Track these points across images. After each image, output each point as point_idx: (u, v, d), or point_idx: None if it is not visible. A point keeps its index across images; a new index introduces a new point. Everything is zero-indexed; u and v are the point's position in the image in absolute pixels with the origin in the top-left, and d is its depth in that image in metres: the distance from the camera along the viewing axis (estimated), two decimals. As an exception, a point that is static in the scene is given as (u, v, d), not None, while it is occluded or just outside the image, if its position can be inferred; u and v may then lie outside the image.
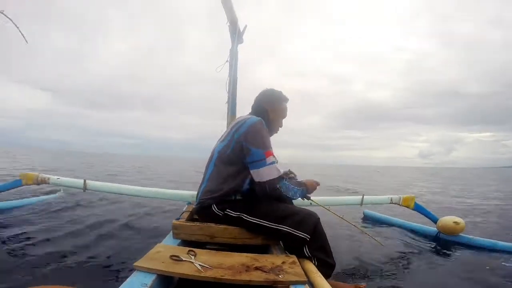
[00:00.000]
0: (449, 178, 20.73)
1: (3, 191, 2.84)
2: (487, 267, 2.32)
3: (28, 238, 2.41)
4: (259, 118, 1.61)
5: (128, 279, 1.01)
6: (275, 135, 1.83)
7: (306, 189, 1.70)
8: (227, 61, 2.99)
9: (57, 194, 4.34)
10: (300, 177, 1.87)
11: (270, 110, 1.75)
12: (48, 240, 2.42)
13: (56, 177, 2.80)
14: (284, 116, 1.82)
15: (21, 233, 2.51)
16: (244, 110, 1.80)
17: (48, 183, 2.77)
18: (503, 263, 2.39)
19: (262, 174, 1.50)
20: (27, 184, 2.76)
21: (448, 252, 2.74)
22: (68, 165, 14.42)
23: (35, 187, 3.12)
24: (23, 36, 2.52)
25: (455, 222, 2.90)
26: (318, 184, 1.76)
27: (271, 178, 1.50)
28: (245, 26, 3.04)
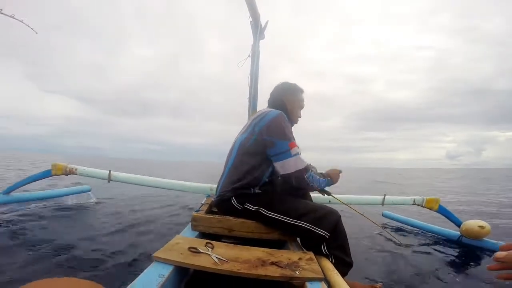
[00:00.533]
0: (478, 179, 19.67)
1: (35, 181, 3.01)
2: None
3: (50, 230, 2.56)
4: (280, 111, 1.60)
5: (146, 270, 1.04)
6: (297, 134, 1.85)
7: (331, 179, 1.71)
8: (249, 55, 3.03)
9: (89, 188, 4.39)
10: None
11: (287, 101, 1.76)
12: (69, 232, 2.55)
13: (83, 167, 2.93)
14: (301, 106, 1.82)
15: (44, 225, 2.67)
16: (264, 107, 1.83)
17: (76, 174, 2.91)
18: None
19: (288, 166, 1.50)
20: (56, 174, 2.92)
21: (471, 257, 2.62)
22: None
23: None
24: (31, 28, 2.67)
25: (480, 226, 2.76)
26: (340, 171, 1.78)
27: (298, 169, 1.50)
28: (267, 22, 3.05)
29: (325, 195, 1.86)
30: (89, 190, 4.30)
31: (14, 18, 2.48)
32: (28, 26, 2.73)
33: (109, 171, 2.82)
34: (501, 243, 2.74)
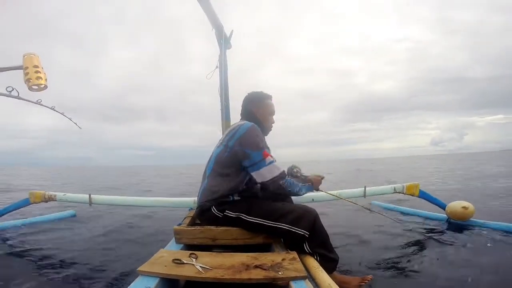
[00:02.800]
0: (460, 163, 20.32)
1: (13, 211, 2.91)
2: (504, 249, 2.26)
3: (37, 249, 2.49)
4: (252, 123, 1.67)
5: (132, 284, 1.05)
6: (280, 135, 1.89)
7: (312, 184, 1.78)
8: (217, 67, 2.98)
9: (74, 213, 4.14)
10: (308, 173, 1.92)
11: (255, 111, 1.81)
12: (54, 250, 2.48)
13: (62, 193, 2.86)
14: (271, 112, 1.87)
15: (31, 247, 2.59)
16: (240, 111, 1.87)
17: (55, 200, 2.84)
18: None
19: (263, 174, 1.56)
20: (35, 202, 2.83)
21: (462, 237, 2.64)
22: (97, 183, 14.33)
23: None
24: (75, 123, 2.70)
25: (464, 207, 2.82)
26: (322, 177, 1.84)
27: (274, 176, 1.55)
28: (232, 31, 3.04)
29: (314, 190, 1.91)
30: (74, 215, 4.13)
31: (54, 110, 2.42)
32: (71, 120, 2.77)
33: (89, 195, 2.77)
34: (489, 222, 2.79)
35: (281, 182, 1.57)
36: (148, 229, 3.56)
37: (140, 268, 1.13)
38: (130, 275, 1.90)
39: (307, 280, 1.11)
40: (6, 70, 1.95)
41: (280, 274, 1.11)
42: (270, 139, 1.82)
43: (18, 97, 1.81)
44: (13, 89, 1.79)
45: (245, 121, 1.72)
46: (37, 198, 2.82)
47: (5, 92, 1.82)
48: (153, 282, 1.05)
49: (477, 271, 1.90)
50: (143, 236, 3.14)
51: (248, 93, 1.88)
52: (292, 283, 1.08)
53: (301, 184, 1.71)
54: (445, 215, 3.06)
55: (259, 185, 1.71)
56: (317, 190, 1.89)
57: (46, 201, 2.87)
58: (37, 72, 1.01)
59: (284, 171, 1.63)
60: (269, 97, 1.87)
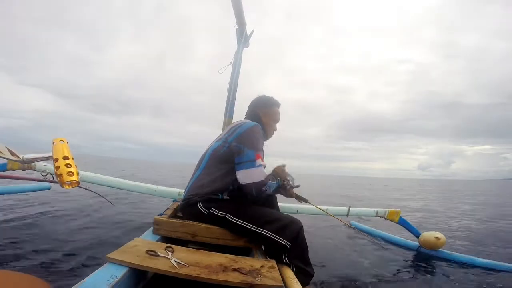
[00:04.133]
0: (446, 191, 20.80)
1: None
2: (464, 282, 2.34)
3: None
4: (256, 123, 1.64)
5: (98, 270, 0.98)
6: (274, 144, 1.87)
7: (279, 177, 1.69)
8: (230, 63, 3.01)
9: (50, 186, 4.12)
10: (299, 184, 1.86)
11: (262, 114, 1.79)
12: (21, 229, 2.37)
13: (43, 163, 2.74)
14: (276, 120, 1.85)
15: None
16: (242, 117, 1.86)
17: (34, 170, 2.71)
18: (480, 279, 2.41)
19: (250, 175, 1.51)
20: (12, 169, 2.70)
21: (429, 266, 2.77)
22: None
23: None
24: (110, 202, 2.74)
25: (436, 238, 2.92)
26: (284, 165, 1.76)
27: (259, 180, 1.51)
28: (252, 31, 3.08)
29: (302, 202, 1.88)
30: (49, 188, 4.02)
31: (89, 190, 2.39)
32: (106, 200, 2.68)
33: None
34: (455, 254, 2.90)
35: (264, 188, 1.53)
36: (127, 214, 3.47)
37: (109, 255, 1.06)
38: (99, 260, 1.82)
39: None
40: (36, 161, 1.91)
41: (258, 280, 1.06)
42: (269, 146, 1.80)
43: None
44: (47, 174, 1.74)
45: (249, 120, 1.69)
46: (15, 165, 2.69)
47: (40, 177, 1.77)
48: (121, 271, 0.99)
49: None
50: (120, 221, 3.05)
51: (259, 96, 1.86)
52: None
53: (273, 182, 1.62)
54: (417, 243, 3.17)
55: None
56: (306, 201, 1.85)
57: (24, 170, 2.74)
58: (67, 165, 0.96)
59: (268, 177, 1.57)
60: (278, 104, 1.85)
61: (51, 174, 1.67)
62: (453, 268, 2.70)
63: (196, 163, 1.73)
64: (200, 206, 1.54)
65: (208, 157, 1.63)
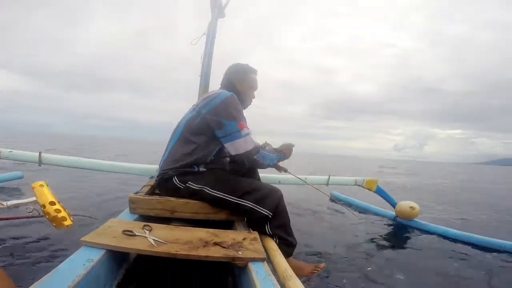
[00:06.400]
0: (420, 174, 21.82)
1: None
2: (437, 252, 2.45)
3: None
4: (231, 92, 1.56)
5: (72, 255, 0.92)
6: (258, 122, 1.80)
7: (284, 154, 1.73)
8: (204, 34, 2.86)
9: (22, 175, 3.83)
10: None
11: (238, 83, 1.71)
12: None
13: (8, 150, 2.55)
14: (253, 87, 1.78)
15: None
16: (217, 87, 1.78)
17: (0, 158, 2.53)
18: (452, 250, 2.50)
19: (238, 146, 1.47)
20: None
21: (403, 236, 2.89)
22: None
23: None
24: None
25: (411, 207, 3.02)
26: (293, 145, 1.79)
27: (249, 149, 1.47)
28: (228, 0, 2.90)
29: (282, 172, 1.88)
30: (21, 177, 3.79)
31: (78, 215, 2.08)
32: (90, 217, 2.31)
33: (40, 153, 2.48)
34: (430, 224, 3.04)
35: (255, 156, 1.51)
36: (103, 196, 3.35)
37: (84, 238, 1.00)
38: (74, 245, 1.75)
39: (265, 262, 1.06)
40: (20, 206, 1.79)
41: (240, 254, 1.04)
42: (252, 123, 1.75)
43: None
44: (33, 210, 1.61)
45: (224, 90, 1.60)
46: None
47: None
48: (98, 254, 0.94)
49: (409, 270, 2.03)
50: (96, 203, 2.94)
51: (233, 64, 1.76)
52: (250, 264, 1.02)
53: (272, 155, 1.65)
54: (393, 213, 3.29)
55: (227, 158, 1.62)
56: (285, 171, 1.86)
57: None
58: (57, 211, 0.84)
59: (259, 144, 1.56)
60: (254, 71, 1.76)
61: (36, 210, 1.63)
62: (427, 238, 2.80)
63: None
64: (176, 180, 1.49)
65: (182, 129, 1.56)
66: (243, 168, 1.73)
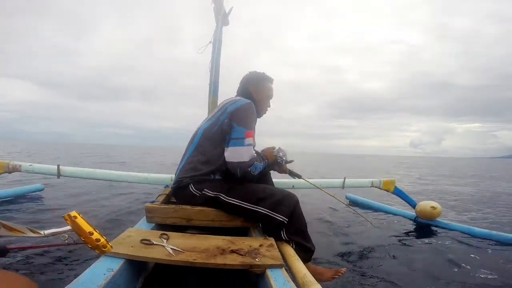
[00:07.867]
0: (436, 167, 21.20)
1: None
2: (464, 252, 2.35)
3: None
4: (250, 100, 1.57)
5: (93, 265, 0.94)
6: (268, 124, 1.81)
7: (267, 159, 1.70)
8: (210, 42, 2.93)
9: (42, 187, 3.98)
10: (297, 164, 1.84)
11: (254, 91, 1.71)
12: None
13: (28, 164, 2.65)
14: (269, 96, 1.77)
15: None
16: (228, 96, 1.78)
17: (21, 171, 2.63)
18: (479, 248, 2.43)
19: (237, 154, 1.45)
20: None
21: (426, 236, 2.79)
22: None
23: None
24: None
25: (432, 207, 2.95)
26: (273, 148, 1.78)
27: (245, 160, 1.46)
28: (231, 8, 2.98)
29: (295, 178, 1.87)
30: (42, 189, 3.92)
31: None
32: None
33: (58, 165, 2.58)
34: (453, 223, 2.95)
35: (249, 168, 1.48)
36: (120, 206, 3.41)
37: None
38: (94, 256, 1.79)
39: (283, 268, 1.05)
40: (57, 235, 1.89)
41: (257, 261, 1.04)
42: (263, 125, 1.74)
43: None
44: (68, 237, 1.74)
45: (242, 98, 1.61)
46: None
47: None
48: (117, 264, 0.95)
49: (435, 270, 1.98)
50: (114, 213, 2.99)
51: (250, 72, 1.77)
52: (268, 271, 1.01)
53: (262, 164, 1.59)
54: (414, 213, 3.20)
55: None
56: (300, 177, 1.84)
57: (10, 172, 2.65)
58: (97, 240, 0.89)
59: (255, 157, 1.52)
60: (270, 80, 1.77)
61: (71, 237, 1.74)
62: (451, 237, 2.71)
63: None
64: (192, 188, 1.49)
65: (199, 138, 1.56)
66: (246, 180, 1.60)
